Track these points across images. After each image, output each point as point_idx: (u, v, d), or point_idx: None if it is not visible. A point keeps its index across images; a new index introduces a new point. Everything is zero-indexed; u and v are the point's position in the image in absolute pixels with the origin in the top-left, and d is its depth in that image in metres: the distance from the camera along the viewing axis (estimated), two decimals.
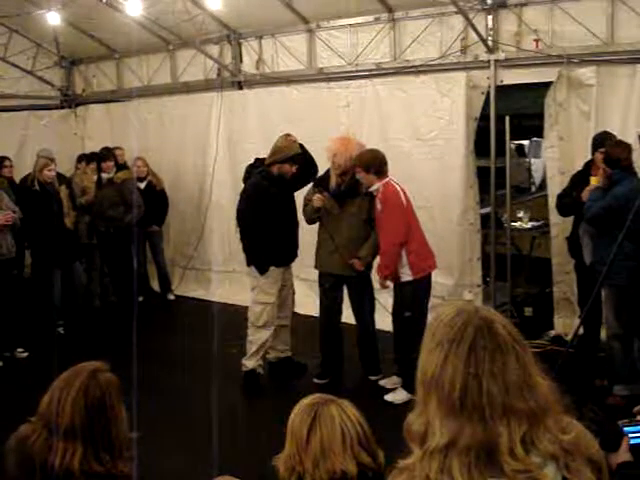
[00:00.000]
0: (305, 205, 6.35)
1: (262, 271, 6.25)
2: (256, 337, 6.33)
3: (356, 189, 6.09)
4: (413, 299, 5.94)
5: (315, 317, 6.91)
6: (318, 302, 6.58)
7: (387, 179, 5.96)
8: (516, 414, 1.51)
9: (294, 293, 6.69)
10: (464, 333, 1.56)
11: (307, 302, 7.88)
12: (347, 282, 6.34)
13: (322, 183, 6.27)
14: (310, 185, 6.44)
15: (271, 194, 6.14)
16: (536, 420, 1.53)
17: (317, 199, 6.14)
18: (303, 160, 6.24)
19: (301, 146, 6.26)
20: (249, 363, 6.37)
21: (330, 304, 6.38)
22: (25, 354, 7.38)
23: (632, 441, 2.18)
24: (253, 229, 6.22)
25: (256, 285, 6.36)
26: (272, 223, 6.13)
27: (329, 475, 2.32)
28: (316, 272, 6.51)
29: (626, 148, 5.59)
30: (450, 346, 1.56)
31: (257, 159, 6.48)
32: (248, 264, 6.39)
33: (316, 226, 6.43)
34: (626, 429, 2.28)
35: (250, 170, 6.48)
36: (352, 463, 2.33)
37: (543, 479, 1.49)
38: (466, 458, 1.49)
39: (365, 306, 6.40)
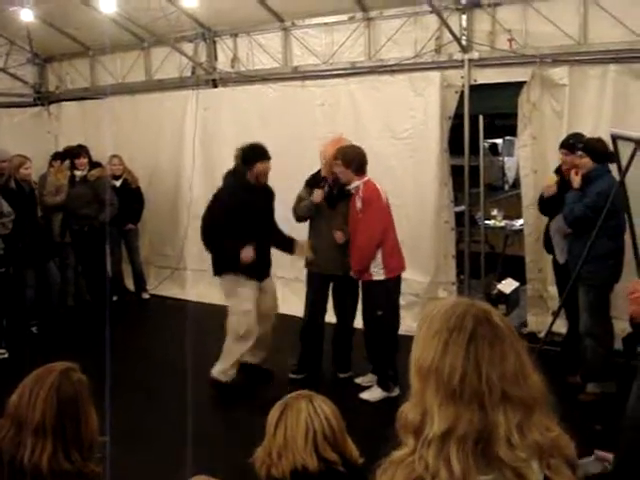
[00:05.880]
0: (298, 202, 6.23)
1: (215, 272, 6.18)
2: (234, 347, 6.13)
3: (347, 190, 6.00)
4: (385, 298, 5.94)
5: (289, 315, 6.90)
6: (293, 300, 6.55)
7: (367, 178, 5.92)
8: (512, 402, 1.54)
9: (276, 300, 6.49)
10: (463, 322, 1.58)
11: (283, 300, 7.79)
12: (333, 280, 6.33)
13: (315, 182, 6.23)
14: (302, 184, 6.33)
15: (240, 199, 5.93)
16: (529, 410, 1.56)
17: (318, 194, 6.07)
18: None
19: None
20: (222, 376, 6.17)
21: (316, 302, 6.37)
22: (5, 355, 7.20)
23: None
24: (213, 230, 6.01)
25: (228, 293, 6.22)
26: (235, 228, 5.86)
27: (290, 468, 2.36)
28: (293, 270, 6.50)
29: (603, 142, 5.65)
30: (450, 334, 1.57)
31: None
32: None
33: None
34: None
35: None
36: (313, 458, 2.36)
37: (530, 475, 1.52)
38: (464, 446, 1.51)
39: (347, 304, 6.39)
